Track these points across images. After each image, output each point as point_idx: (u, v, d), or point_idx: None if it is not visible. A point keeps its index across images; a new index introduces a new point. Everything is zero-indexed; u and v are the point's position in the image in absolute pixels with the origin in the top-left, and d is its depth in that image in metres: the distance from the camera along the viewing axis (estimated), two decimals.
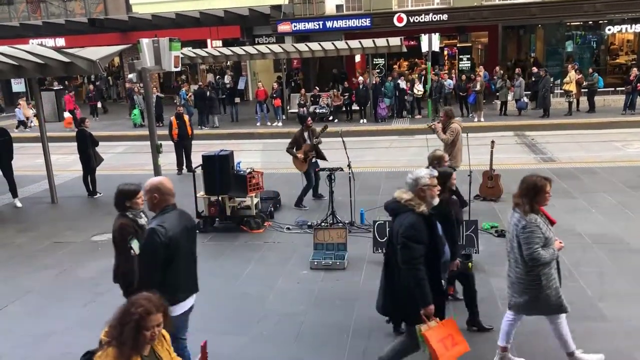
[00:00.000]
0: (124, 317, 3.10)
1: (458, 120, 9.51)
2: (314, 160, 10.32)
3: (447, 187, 5.36)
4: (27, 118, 23.46)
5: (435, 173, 4.55)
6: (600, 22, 25.13)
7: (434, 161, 6.36)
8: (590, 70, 20.31)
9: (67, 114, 22.79)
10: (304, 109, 21.34)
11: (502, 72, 21.65)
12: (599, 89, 20.15)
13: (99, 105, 26.07)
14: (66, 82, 29.38)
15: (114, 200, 5.09)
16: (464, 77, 21.11)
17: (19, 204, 11.46)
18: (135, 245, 4.73)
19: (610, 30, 25.33)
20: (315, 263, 7.48)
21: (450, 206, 5.32)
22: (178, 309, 4.33)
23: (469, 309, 5.78)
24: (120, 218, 4.98)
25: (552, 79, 20.37)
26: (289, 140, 10.54)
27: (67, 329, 6.21)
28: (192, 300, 4.60)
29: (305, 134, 10.31)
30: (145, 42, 10.50)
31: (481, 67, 23.14)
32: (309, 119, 10.65)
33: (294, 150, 10.24)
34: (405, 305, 4.40)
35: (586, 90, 19.90)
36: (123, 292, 4.93)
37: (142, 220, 5.01)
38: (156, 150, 11.14)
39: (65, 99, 23.55)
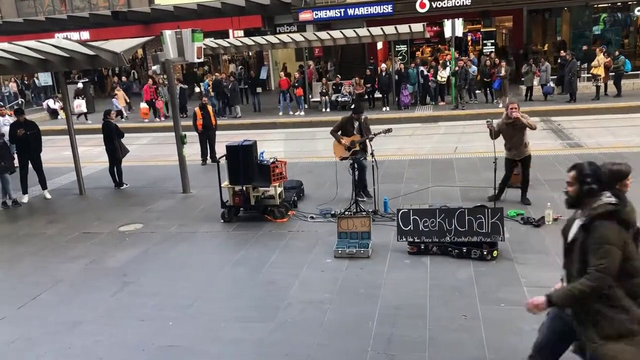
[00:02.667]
0: None
1: None
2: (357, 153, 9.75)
3: None
4: (125, 107, 23.49)
5: None
6: (629, 3, 24.49)
7: None
8: (617, 52, 19.84)
9: (143, 105, 22.53)
10: (326, 97, 21.32)
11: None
12: (626, 72, 19.69)
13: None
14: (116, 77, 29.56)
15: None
16: (488, 62, 20.80)
17: (48, 196, 11.70)
18: None
19: (639, 11, 24.68)
20: (339, 251, 7.50)
21: None
22: None
23: None
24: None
25: (578, 63, 19.98)
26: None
27: (97, 317, 6.34)
28: None
29: (356, 123, 9.79)
30: (168, 34, 10.61)
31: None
32: (363, 114, 9.91)
33: (339, 134, 9.84)
34: None
35: (613, 73, 19.47)
36: None
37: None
38: (181, 141, 11.28)
39: (143, 89, 23.36)
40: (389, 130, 9.43)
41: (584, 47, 21.90)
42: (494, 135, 8.81)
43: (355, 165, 9.29)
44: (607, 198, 3.69)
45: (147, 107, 22.37)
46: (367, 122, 9.93)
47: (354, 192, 9.12)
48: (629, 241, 3.65)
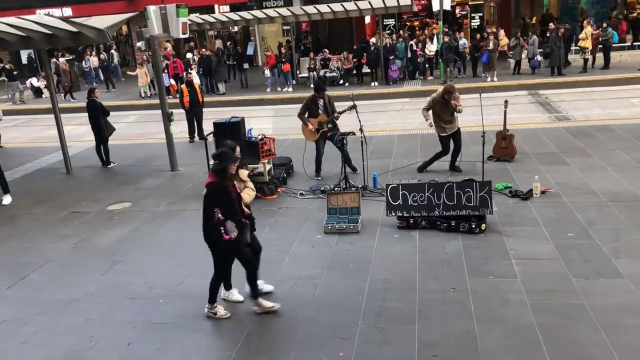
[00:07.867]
0: None
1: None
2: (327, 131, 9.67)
3: None
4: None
5: None
6: None
7: None
8: (605, 24, 19.81)
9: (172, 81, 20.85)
10: (314, 72, 21.14)
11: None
12: (614, 44, 19.71)
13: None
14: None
15: None
16: (478, 35, 20.71)
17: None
18: None
19: None
20: (329, 227, 7.52)
21: None
22: None
23: None
24: None
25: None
26: (298, 106, 10.25)
27: (87, 296, 6.33)
28: None
29: (320, 102, 9.67)
30: (153, 10, 10.42)
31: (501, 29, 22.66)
32: (324, 90, 9.77)
33: (306, 117, 9.74)
34: None
35: (601, 46, 19.47)
36: None
37: None
38: (167, 119, 11.17)
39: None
40: (353, 107, 9.22)
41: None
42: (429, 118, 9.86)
43: (339, 143, 9.27)
44: None
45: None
46: (331, 101, 9.75)
47: (343, 169, 9.10)
48: None
